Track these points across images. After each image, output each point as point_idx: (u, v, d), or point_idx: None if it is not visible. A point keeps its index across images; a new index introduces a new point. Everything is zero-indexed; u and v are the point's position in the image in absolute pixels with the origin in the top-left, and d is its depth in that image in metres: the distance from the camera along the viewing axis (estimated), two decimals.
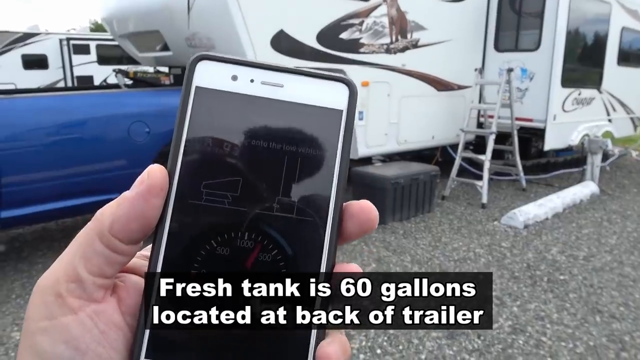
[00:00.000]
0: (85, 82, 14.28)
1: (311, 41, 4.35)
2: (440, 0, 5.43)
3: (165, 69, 4.91)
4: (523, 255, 3.91)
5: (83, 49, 14.76)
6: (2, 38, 13.45)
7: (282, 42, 4.13)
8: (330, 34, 4.47)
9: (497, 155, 5.96)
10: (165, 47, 4.39)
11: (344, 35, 4.59)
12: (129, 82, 4.66)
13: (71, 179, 3.44)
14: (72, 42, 14.35)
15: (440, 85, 5.72)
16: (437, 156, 6.31)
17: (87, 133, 3.44)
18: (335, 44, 4.54)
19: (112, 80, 15.90)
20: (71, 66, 14.37)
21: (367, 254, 3.90)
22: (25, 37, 13.84)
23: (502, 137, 5.85)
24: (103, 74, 15.28)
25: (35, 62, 14.14)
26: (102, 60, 15.29)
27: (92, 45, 14.95)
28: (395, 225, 4.62)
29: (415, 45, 5.29)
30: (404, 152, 5.71)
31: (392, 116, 5.28)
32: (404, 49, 5.19)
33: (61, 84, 14.39)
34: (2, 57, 13.44)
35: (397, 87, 5.22)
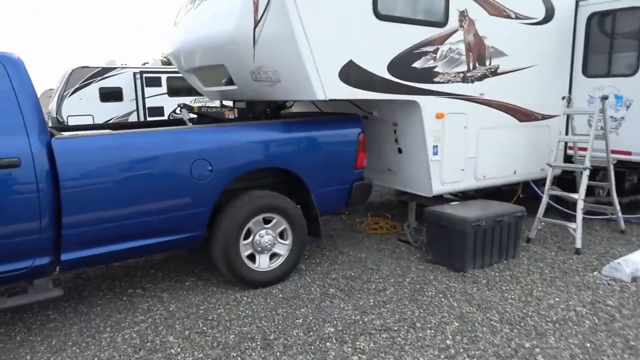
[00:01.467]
0: (157, 113, 14.83)
1: (382, 71, 4.04)
2: (521, 24, 4.97)
3: (229, 103, 4.78)
4: (637, 317, 3.29)
5: (155, 82, 15.39)
6: (84, 73, 14.29)
7: (351, 74, 3.85)
8: (402, 64, 4.15)
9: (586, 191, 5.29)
10: (230, 81, 4.25)
11: (417, 64, 4.25)
12: (193, 116, 4.55)
13: (133, 219, 3.29)
14: (145, 75, 15.01)
15: (523, 115, 5.20)
16: (519, 192, 5.73)
17: (149, 172, 3.29)
18: (408, 74, 4.21)
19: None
20: (143, 98, 15.00)
21: (447, 309, 3.44)
22: (103, 72, 14.63)
23: (591, 172, 5.21)
24: (172, 105, 15.83)
25: (111, 95, 14.89)
26: (172, 92, 15.88)
27: (163, 77, 15.57)
28: (477, 273, 4.12)
29: (494, 72, 4.85)
30: (482, 189, 5.21)
31: (470, 150, 4.83)
32: (482, 77, 4.76)
33: (134, 115, 15.04)
34: (82, 91, 14.24)
35: (474, 118, 4.78)
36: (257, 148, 3.73)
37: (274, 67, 3.74)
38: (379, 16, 3.91)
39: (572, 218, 5.38)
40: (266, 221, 3.89)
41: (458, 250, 4.13)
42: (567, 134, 5.61)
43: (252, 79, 3.92)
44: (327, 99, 3.76)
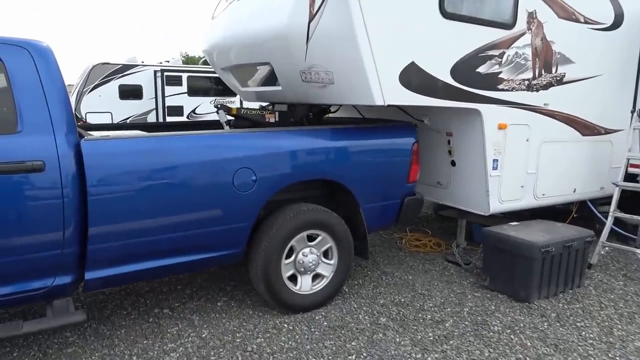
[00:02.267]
0: (176, 113, 14.60)
1: (445, 76, 3.62)
2: (589, 29, 4.52)
3: (265, 105, 4.39)
4: None
5: (175, 80, 15.13)
6: (104, 70, 14.07)
7: (413, 77, 3.44)
8: (465, 68, 3.72)
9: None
10: (274, 81, 3.85)
11: (481, 69, 3.82)
12: (230, 118, 4.16)
13: (166, 233, 2.90)
14: (165, 73, 14.75)
15: (586, 129, 4.74)
16: (573, 212, 5.25)
17: (187, 180, 2.90)
18: (471, 80, 3.78)
19: (201, 110, 16.15)
20: (163, 97, 14.73)
21: (520, 349, 2.99)
22: (124, 69, 14.39)
23: None
24: (192, 104, 15.58)
25: (131, 93, 14.64)
26: (192, 91, 15.62)
27: (184, 76, 15.31)
28: (543, 304, 3.67)
29: (560, 81, 4.40)
30: (539, 208, 4.75)
31: (531, 165, 4.38)
32: (547, 86, 4.31)
33: (153, 114, 14.80)
34: (102, 87, 14.01)
35: (537, 130, 4.34)
36: (307, 157, 3.32)
37: (328, 66, 3.33)
38: (445, 14, 3.49)
39: (630, 242, 4.92)
40: (310, 238, 3.48)
41: (522, 278, 3.68)
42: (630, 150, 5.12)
43: (300, 80, 3.51)
44: (386, 105, 3.34)
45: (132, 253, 2.83)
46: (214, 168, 2.99)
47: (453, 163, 4.35)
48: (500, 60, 3.92)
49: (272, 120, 4.04)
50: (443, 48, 3.57)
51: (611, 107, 4.92)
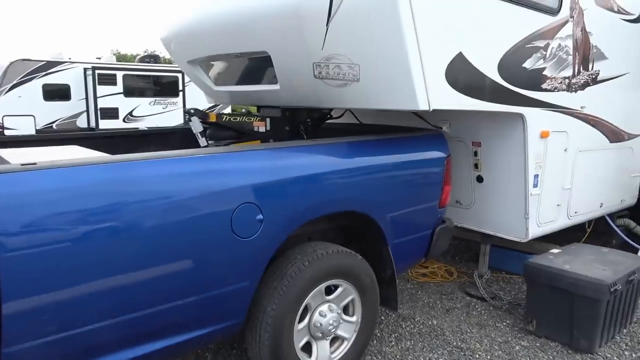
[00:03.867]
0: (110, 116, 13.12)
1: (492, 72, 2.84)
2: (621, 19, 3.92)
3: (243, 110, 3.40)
4: None
5: (109, 79, 13.59)
6: (25, 67, 12.33)
7: (459, 73, 2.62)
8: (512, 62, 2.97)
9: None
10: (269, 78, 2.89)
11: (527, 64, 3.08)
12: (202, 128, 3.14)
13: (130, 311, 1.88)
14: (97, 71, 13.17)
15: (614, 134, 4.15)
16: (589, 227, 4.68)
17: (161, 226, 1.90)
18: (517, 77, 3.03)
19: (139, 112, 14.67)
20: (95, 97, 13.15)
21: None
22: (48, 66, 12.69)
23: None
24: (129, 106, 14.09)
25: (57, 93, 12.96)
26: (128, 91, 14.14)
27: (119, 75, 13.79)
28: (608, 355, 2.98)
29: (595, 80, 3.76)
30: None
31: (567, 179, 3.70)
32: (584, 86, 3.65)
33: (83, 117, 13.25)
34: (22, 87, 12.27)
35: (574, 138, 3.67)
36: (332, 182, 2.40)
37: (354, 57, 2.43)
38: None
39: None
40: (327, 290, 2.56)
41: (585, 324, 2.97)
42: None
43: (312, 76, 2.58)
44: (431, 110, 2.49)
45: (73, 346, 1.79)
46: (203, 205, 2.01)
47: (480, 179, 3.58)
48: (544, 53, 3.19)
49: (261, 129, 3.08)
50: (492, 37, 2.78)
51: (633, 110, 4.37)
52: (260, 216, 2.14)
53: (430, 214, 3.02)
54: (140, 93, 14.53)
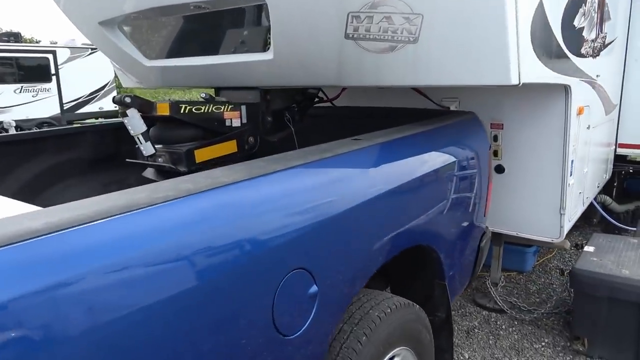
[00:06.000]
0: None
1: (558, 31, 2.11)
2: None
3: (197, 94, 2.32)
4: None
5: None
6: None
7: (538, 34, 1.85)
8: (568, 18, 2.27)
9: None
10: (256, 43, 1.85)
11: (576, 21, 2.40)
12: (145, 127, 2.00)
13: None
14: None
15: (608, 106, 3.73)
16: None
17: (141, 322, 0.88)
18: (570, 38, 2.35)
19: (1, 102, 12.22)
20: None
21: None
22: None
23: None
24: None
25: None
26: None
27: None
28: None
29: (604, 44, 3.24)
30: None
31: (585, 162, 3.17)
32: (599, 51, 3.11)
33: None
34: None
35: (592, 113, 3.14)
36: (398, 207, 1.49)
37: (415, 4, 1.51)
38: None
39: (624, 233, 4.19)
40: None
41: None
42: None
43: (343, 34, 1.62)
44: (520, 85, 1.68)
45: None
46: (221, 291, 1.00)
47: (499, 169, 2.89)
48: (585, 7, 2.54)
49: (235, 122, 2.04)
50: None
51: (617, 77, 4.01)
52: (313, 288, 1.18)
53: (479, 226, 2.26)
54: (0, 79, 12.04)
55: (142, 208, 0.92)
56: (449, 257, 1.91)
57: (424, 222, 1.65)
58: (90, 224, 0.84)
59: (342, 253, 1.26)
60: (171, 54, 2.19)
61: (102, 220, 0.86)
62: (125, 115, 1.81)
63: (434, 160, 1.76)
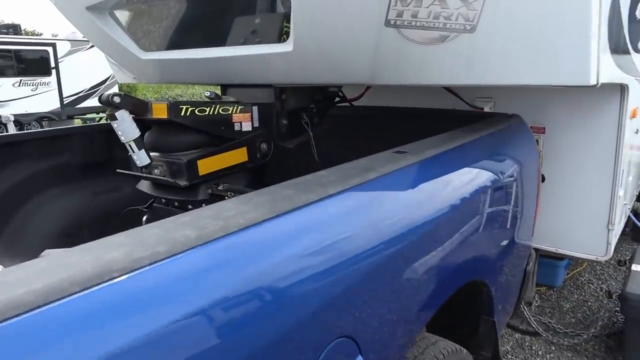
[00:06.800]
0: None
1: (625, 26, 1.79)
2: None
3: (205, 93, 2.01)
4: None
5: None
6: None
7: (613, 29, 1.53)
8: (633, 11, 1.94)
9: None
10: (270, 33, 1.54)
11: (638, 13, 2.08)
12: (139, 132, 1.69)
13: None
14: None
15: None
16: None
17: None
18: (633, 33, 2.02)
19: (0, 96, 11.92)
20: None
21: None
22: None
23: None
24: None
25: None
26: None
27: None
28: None
29: None
30: None
31: (630, 169, 2.86)
32: None
33: None
34: None
35: None
36: (450, 247, 1.18)
37: None
38: None
39: None
40: None
41: None
42: None
43: (383, 21, 1.31)
44: (599, 85, 1.37)
45: None
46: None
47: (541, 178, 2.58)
48: None
49: (246, 126, 1.74)
50: None
51: None
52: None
53: (526, 248, 1.95)
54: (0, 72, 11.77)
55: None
56: (499, 290, 1.61)
57: (480, 252, 1.35)
58: None
59: (393, 312, 0.96)
60: (171, 46, 1.88)
61: None
62: (114, 118, 1.50)
63: (489, 176, 1.45)
